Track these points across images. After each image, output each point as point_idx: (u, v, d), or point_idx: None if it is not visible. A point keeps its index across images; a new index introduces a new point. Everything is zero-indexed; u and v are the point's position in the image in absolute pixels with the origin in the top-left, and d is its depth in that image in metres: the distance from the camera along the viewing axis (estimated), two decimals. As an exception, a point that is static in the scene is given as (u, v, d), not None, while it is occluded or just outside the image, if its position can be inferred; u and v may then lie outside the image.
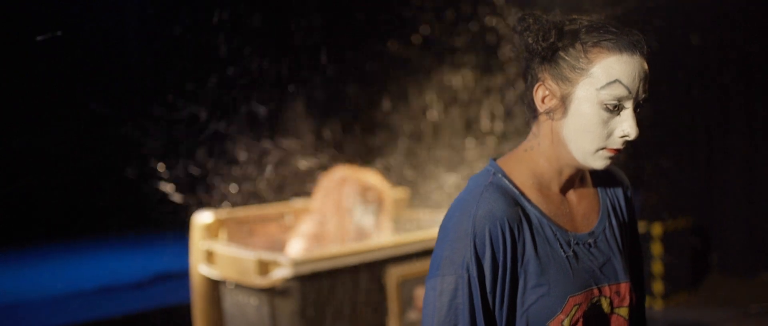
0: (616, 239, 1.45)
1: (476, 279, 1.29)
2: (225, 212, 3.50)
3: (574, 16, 1.35)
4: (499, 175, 1.38)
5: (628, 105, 1.30)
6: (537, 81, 1.36)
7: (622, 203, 1.52)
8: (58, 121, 6.25)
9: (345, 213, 3.33)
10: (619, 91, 1.28)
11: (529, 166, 1.40)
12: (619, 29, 1.31)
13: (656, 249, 5.34)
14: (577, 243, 1.38)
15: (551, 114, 1.35)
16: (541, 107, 1.36)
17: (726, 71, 5.92)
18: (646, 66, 1.32)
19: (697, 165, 6.16)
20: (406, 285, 3.25)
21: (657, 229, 5.32)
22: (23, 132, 6.14)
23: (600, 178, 1.51)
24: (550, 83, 1.34)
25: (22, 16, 6.20)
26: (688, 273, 5.64)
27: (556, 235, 1.36)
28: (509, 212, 1.31)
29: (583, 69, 1.30)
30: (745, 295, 5.59)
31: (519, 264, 1.33)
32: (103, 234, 6.23)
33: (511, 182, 1.37)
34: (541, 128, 1.38)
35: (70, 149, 6.32)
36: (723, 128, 6.05)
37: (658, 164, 6.26)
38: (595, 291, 1.37)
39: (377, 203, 3.39)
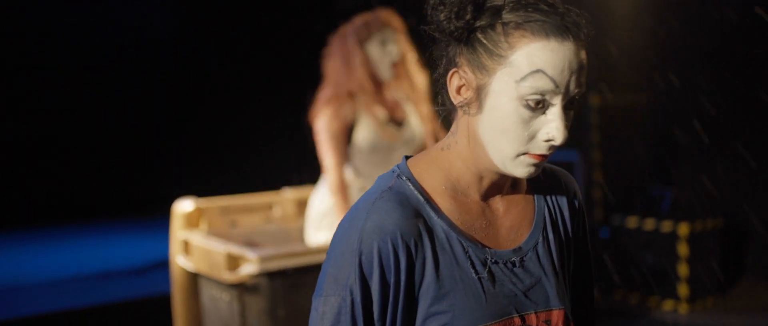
0: (551, 257, 1.21)
1: (360, 305, 1.08)
2: (206, 200, 3.33)
3: None
4: (404, 178, 1.15)
5: (556, 102, 1.06)
6: (452, 67, 1.12)
7: (566, 213, 1.27)
8: (63, 106, 6.23)
9: (357, 59, 2.86)
10: (543, 83, 1.04)
11: (443, 168, 1.17)
12: (552, 8, 1.07)
13: (682, 250, 5.03)
14: (496, 262, 1.15)
15: (466, 108, 1.12)
16: (455, 99, 1.13)
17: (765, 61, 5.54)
18: (582, 55, 1.07)
19: (731, 163, 5.80)
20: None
21: (684, 229, 5.02)
22: (28, 116, 6.13)
23: (539, 183, 1.27)
24: (466, 70, 1.10)
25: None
26: (717, 276, 5.31)
27: (467, 252, 1.13)
28: (404, 226, 1.09)
29: (501, 56, 1.06)
30: (779, 301, 5.25)
31: (416, 287, 1.10)
32: (105, 218, 6.17)
33: (417, 187, 1.14)
34: (459, 124, 1.15)
35: (74, 133, 6.30)
36: (760, 123, 5.67)
37: (690, 160, 5.92)
38: (517, 321, 1.14)
39: (387, 29, 2.91)
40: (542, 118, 1.07)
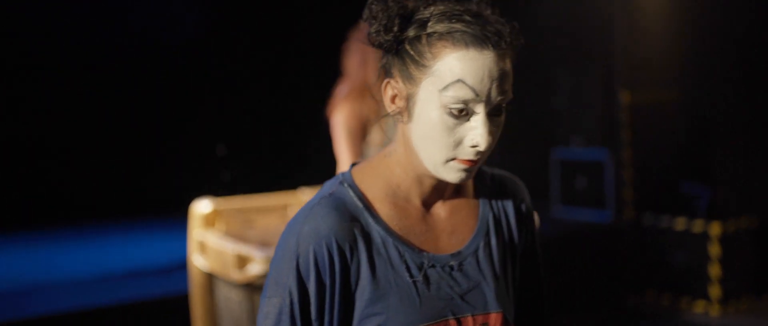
0: (492, 261, 1.23)
1: (298, 305, 1.14)
2: (223, 201, 3.41)
3: (432, 2, 1.14)
4: (345, 185, 1.20)
5: (479, 109, 1.09)
6: (387, 77, 1.17)
7: (512, 218, 1.29)
8: (90, 108, 6.40)
9: (375, 55, 2.83)
10: (463, 93, 1.08)
11: (384, 175, 1.21)
12: (476, 18, 1.10)
13: (714, 250, 4.94)
14: (433, 266, 1.18)
15: (399, 117, 1.16)
16: (390, 108, 1.17)
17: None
18: (504, 64, 1.10)
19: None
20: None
21: (715, 229, 4.92)
22: (54, 118, 6.31)
23: (485, 190, 1.29)
24: (398, 80, 1.15)
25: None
26: (751, 277, 5.19)
27: (402, 257, 1.16)
28: (339, 230, 1.13)
29: (426, 66, 1.10)
30: (817, 303, 5.11)
31: (351, 289, 1.15)
32: (132, 218, 6.31)
33: (358, 193, 1.19)
34: (397, 132, 1.20)
35: (103, 132, 6.47)
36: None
37: (726, 158, 5.80)
38: (452, 323, 1.16)
39: None
40: (467, 124, 1.10)
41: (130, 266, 4.84)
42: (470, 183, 1.28)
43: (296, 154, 6.55)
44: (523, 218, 1.31)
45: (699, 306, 5.06)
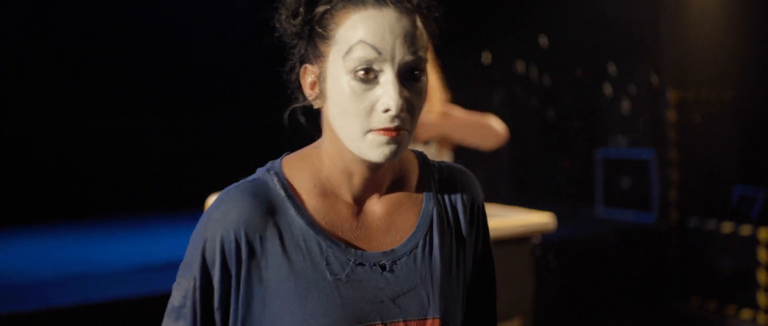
0: (431, 262, 1.13)
1: (201, 291, 1.08)
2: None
3: None
4: (271, 173, 1.13)
5: (387, 70, 1.03)
6: (304, 63, 1.11)
7: (462, 217, 1.19)
8: (120, 102, 6.50)
9: None
10: (366, 53, 1.02)
11: (314, 166, 1.13)
12: None
13: (763, 255, 4.71)
14: (362, 264, 1.09)
15: (317, 101, 1.11)
16: (309, 95, 1.12)
17: None
18: (408, 22, 1.04)
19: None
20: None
21: (764, 234, 4.69)
22: (102, 109, 6.42)
23: (432, 183, 1.19)
24: (312, 63, 1.09)
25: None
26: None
27: (324, 252, 1.08)
28: (250, 219, 1.07)
29: (330, 37, 1.06)
30: None
31: (262, 282, 1.07)
32: (175, 210, 6.38)
33: (283, 183, 1.11)
34: (323, 121, 1.13)
35: (146, 127, 6.56)
36: None
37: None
38: None
39: None
40: (378, 89, 1.04)
41: (147, 260, 4.88)
42: (414, 177, 1.19)
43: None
44: (474, 216, 1.21)
45: (746, 314, 4.83)
